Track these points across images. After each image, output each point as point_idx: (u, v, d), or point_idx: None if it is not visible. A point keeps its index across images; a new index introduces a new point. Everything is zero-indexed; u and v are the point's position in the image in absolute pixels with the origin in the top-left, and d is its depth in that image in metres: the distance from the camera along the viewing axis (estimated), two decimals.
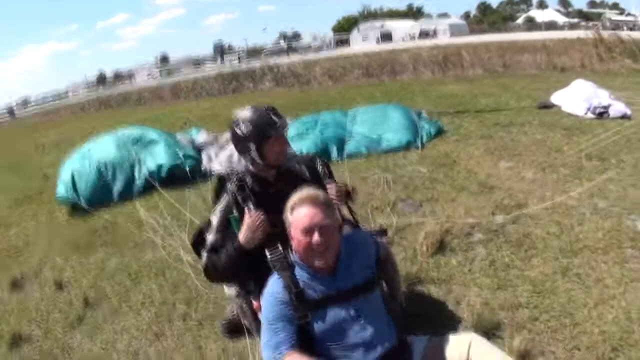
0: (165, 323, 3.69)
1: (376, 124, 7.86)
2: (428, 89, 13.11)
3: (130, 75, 61.29)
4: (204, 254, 2.73)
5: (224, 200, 2.75)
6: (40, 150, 12.85)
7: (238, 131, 2.69)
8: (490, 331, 3.01)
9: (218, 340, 3.38)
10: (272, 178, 2.81)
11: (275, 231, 2.50)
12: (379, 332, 2.31)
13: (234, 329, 3.28)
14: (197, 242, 2.88)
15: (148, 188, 6.81)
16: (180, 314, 3.77)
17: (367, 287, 2.39)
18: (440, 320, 3.17)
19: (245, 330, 2.99)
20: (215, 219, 2.76)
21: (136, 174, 7.10)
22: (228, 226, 2.69)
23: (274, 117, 2.66)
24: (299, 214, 2.28)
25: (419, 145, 7.29)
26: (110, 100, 25.74)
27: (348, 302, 2.33)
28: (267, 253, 2.44)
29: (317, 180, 2.82)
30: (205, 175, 6.99)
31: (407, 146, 7.29)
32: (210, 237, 2.74)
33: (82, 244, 5.42)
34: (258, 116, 2.66)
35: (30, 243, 5.75)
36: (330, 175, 2.94)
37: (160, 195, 6.25)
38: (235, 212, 2.68)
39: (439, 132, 7.87)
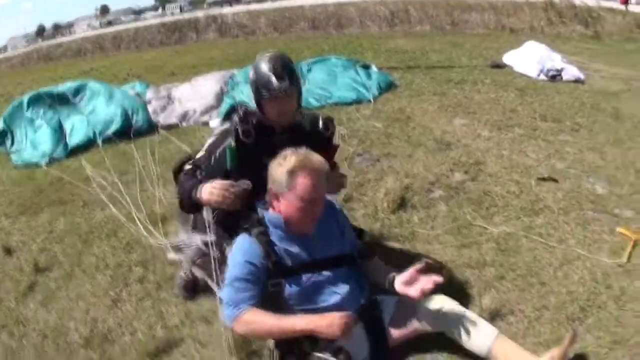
0: (123, 287, 3.53)
1: (326, 80, 7.83)
2: (377, 42, 12.99)
3: (69, 26, 58.56)
4: (185, 167, 2.71)
5: (226, 126, 2.72)
6: None
7: (250, 74, 2.67)
8: (457, 289, 3.02)
9: (179, 304, 3.26)
10: (278, 128, 2.72)
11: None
12: (350, 293, 2.33)
13: (193, 288, 3.24)
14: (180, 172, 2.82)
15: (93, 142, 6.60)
16: (137, 277, 3.62)
17: (344, 261, 2.40)
18: None
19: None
20: (210, 140, 2.71)
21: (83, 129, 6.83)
22: (218, 153, 2.66)
23: (272, 79, 2.54)
24: (304, 182, 2.20)
25: (371, 99, 7.20)
26: (50, 52, 24.34)
27: (322, 269, 2.32)
28: (242, 221, 2.36)
29: (322, 144, 2.74)
30: (151, 130, 6.84)
31: (359, 100, 7.20)
32: (199, 154, 2.70)
33: (29, 205, 5.13)
34: (261, 72, 2.59)
35: None
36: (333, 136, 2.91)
37: (106, 150, 6.01)
38: (232, 142, 2.61)
39: (390, 87, 7.81)
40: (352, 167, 4.93)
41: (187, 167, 2.73)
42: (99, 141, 6.57)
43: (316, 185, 2.21)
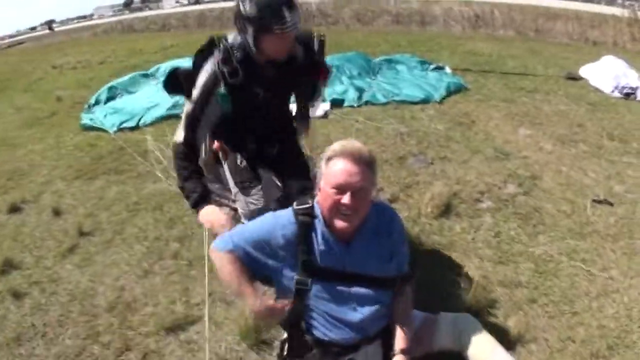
0: (156, 260, 3.62)
1: (395, 77, 7.75)
2: (456, 43, 12.64)
3: (158, 0, 60.44)
4: (179, 132, 2.64)
5: (207, 71, 2.52)
6: (57, 71, 12.68)
7: (242, 8, 2.36)
8: (485, 307, 2.90)
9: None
10: (268, 66, 2.56)
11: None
12: (374, 315, 2.15)
13: None
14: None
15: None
16: (172, 252, 3.70)
17: (381, 284, 2.18)
18: (435, 290, 3.05)
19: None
20: (195, 93, 2.55)
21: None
22: (209, 101, 2.55)
23: (285, 12, 2.29)
24: (336, 167, 2.01)
25: (438, 100, 7.03)
26: (134, 25, 25.24)
27: (353, 284, 2.14)
28: (295, 204, 2.20)
29: (312, 65, 2.66)
30: None
31: (427, 100, 7.02)
32: (187, 107, 2.60)
33: (86, 170, 5.34)
34: (266, 3, 2.30)
35: (35, 166, 5.67)
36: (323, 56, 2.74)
37: (170, 126, 6.10)
38: (222, 88, 2.50)
39: (460, 89, 7.59)
40: (404, 168, 4.83)
41: (182, 132, 2.61)
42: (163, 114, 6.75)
43: (348, 171, 1.99)
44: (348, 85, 7.33)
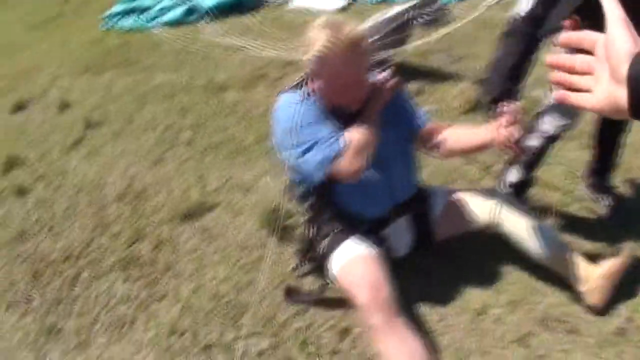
0: (168, 148, 3.34)
1: None
2: None
3: None
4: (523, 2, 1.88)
5: None
6: None
7: None
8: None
9: (222, 169, 3.02)
10: None
11: None
12: (400, 179, 1.97)
13: None
14: None
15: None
16: (185, 140, 3.42)
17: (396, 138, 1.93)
18: (465, 180, 2.70)
19: None
20: None
21: None
22: None
23: None
24: (341, 63, 1.68)
25: None
26: None
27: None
28: None
29: None
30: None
31: None
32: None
33: (93, 65, 5.00)
34: None
35: (41, 65, 5.33)
36: None
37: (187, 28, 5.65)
38: None
39: None
40: (427, 62, 4.29)
41: (523, 11, 1.87)
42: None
43: (351, 73, 1.72)
44: None
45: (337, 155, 1.74)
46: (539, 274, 1.99)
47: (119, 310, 2.17)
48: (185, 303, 2.13)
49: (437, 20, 4.00)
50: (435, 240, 2.10)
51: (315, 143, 1.77)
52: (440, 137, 1.94)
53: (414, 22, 3.88)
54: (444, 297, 2.01)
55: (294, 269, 2.19)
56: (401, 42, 3.96)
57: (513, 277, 2.05)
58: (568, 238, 2.13)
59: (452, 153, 2.00)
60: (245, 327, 1.97)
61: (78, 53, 5.49)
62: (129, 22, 6.22)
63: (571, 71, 0.63)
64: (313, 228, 2.00)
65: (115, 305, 2.19)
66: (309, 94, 1.83)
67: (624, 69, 0.55)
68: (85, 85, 4.57)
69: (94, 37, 5.97)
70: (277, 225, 2.34)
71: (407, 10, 3.88)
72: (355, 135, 1.75)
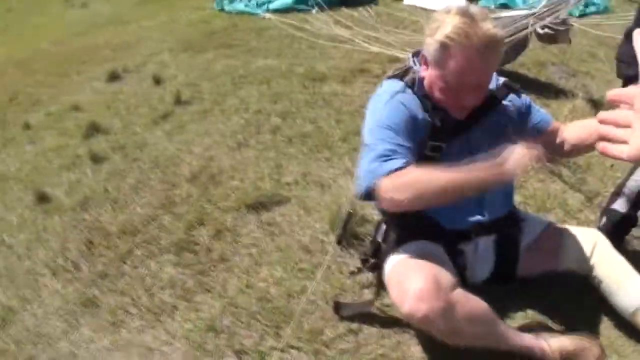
0: (253, 134, 3.14)
1: None
2: None
3: None
4: None
5: None
6: None
7: None
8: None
9: (302, 163, 2.78)
10: None
11: None
12: (494, 194, 1.70)
13: None
14: None
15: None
16: (272, 127, 3.20)
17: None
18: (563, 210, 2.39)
19: None
20: None
21: None
22: None
23: None
24: (459, 60, 1.47)
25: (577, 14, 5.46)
26: None
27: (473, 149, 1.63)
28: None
29: None
30: None
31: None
32: None
33: (195, 44, 4.96)
34: None
35: (143, 39, 5.37)
36: None
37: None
38: None
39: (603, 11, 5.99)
40: (542, 74, 3.96)
41: None
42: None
43: (479, 68, 1.51)
44: None
45: (387, 174, 1.49)
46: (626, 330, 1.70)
47: (161, 295, 1.98)
48: (230, 300, 1.92)
49: (556, 37, 3.60)
50: (518, 275, 1.80)
51: (383, 147, 1.53)
52: (562, 136, 1.77)
53: (533, 31, 3.52)
54: None
55: (351, 273, 1.95)
56: (517, 49, 3.61)
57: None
58: None
59: (577, 149, 1.78)
60: (286, 338, 1.71)
61: (183, 31, 5.50)
62: (240, 5, 6.17)
63: (616, 125, 0.65)
64: (385, 232, 1.79)
65: (160, 289, 2.01)
66: (412, 83, 1.62)
67: None
68: (184, 63, 4.50)
69: (201, 17, 5.99)
70: (345, 230, 2.07)
71: (528, 16, 3.54)
72: (436, 174, 1.47)
